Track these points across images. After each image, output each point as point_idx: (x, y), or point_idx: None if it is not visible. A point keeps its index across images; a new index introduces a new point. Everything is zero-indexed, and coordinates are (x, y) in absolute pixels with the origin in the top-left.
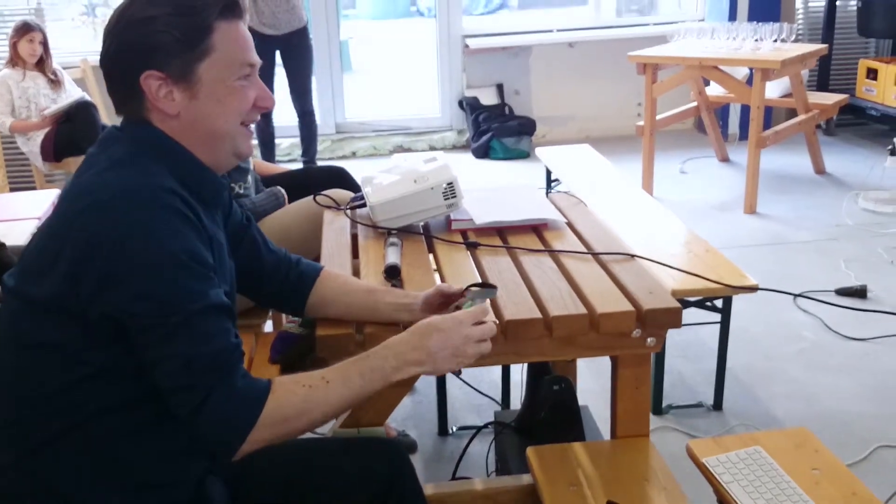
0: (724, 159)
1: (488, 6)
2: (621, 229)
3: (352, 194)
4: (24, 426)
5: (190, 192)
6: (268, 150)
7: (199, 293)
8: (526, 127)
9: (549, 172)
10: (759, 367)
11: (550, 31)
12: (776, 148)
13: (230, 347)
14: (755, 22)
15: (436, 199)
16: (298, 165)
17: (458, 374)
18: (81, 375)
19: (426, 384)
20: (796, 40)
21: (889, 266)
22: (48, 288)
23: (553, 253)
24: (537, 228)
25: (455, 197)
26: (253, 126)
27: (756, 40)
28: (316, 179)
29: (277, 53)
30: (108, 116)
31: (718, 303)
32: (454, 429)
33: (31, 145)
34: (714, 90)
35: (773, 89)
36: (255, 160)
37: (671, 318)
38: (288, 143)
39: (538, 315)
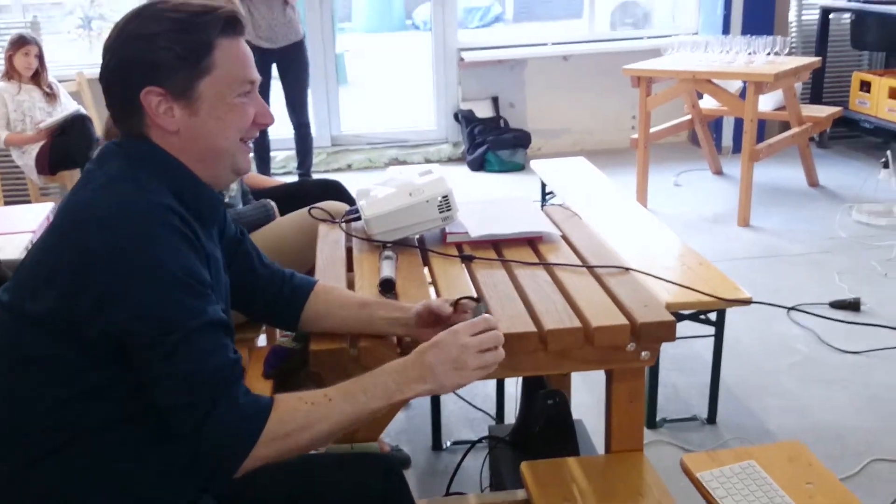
0: (718, 172)
1: (483, 19)
2: (616, 242)
3: (346, 207)
4: (18, 440)
5: (187, 208)
6: (263, 163)
7: (198, 310)
8: (521, 140)
9: (543, 185)
10: (752, 380)
11: (545, 44)
12: (770, 161)
13: (230, 364)
14: (749, 35)
15: (431, 212)
16: (294, 178)
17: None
18: (76, 392)
19: (420, 398)
20: (790, 53)
21: (883, 279)
22: (43, 304)
23: (548, 266)
24: (532, 241)
25: (450, 210)
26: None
27: (749, 53)
28: (311, 192)
29: (274, 66)
30: (103, 130)
31: (712, 316)
32: (448, 443)
33: (26, 158)
34: (708, 103)
35: (767, 102)
36: (250, 173)
37: (665, 332)
38: (283, 155)
39: (533, 329)
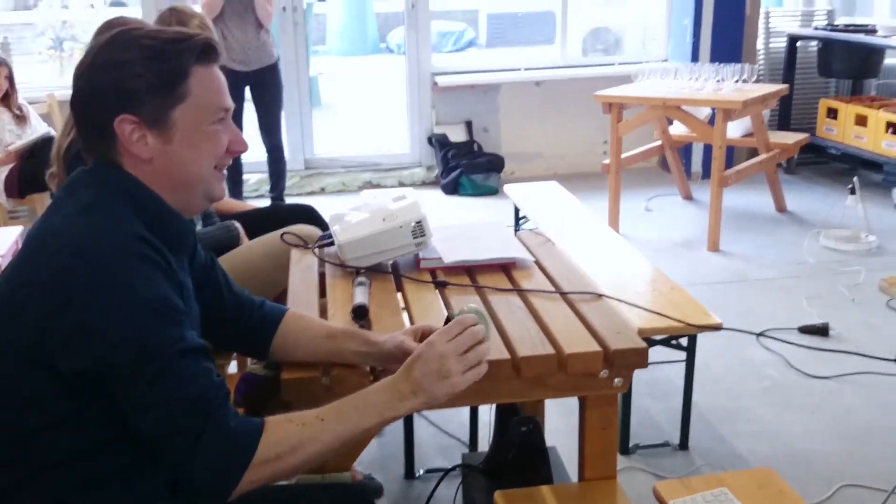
0: (688, 197)
1: (458, 44)
2: (589, 267)
3: (319, 231)
4: None
5: (158, 237)
6: (235, 186)
7: (177, 337)
8: (494, 164)
9: (517, 209)
10: (723, 406)
11: (518, 69)
12: (738, 186)
13: (214, 387)
14: (717, 63)
15: (405, 237)
16: (266, 201)
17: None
18: (44, 424)
19: (393, 425)
20: (757, 81)
21: (850, 304)
22: (12, 335)
23: (522, 292)
24: (506, 267)
25: (424, 235)
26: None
27: (718, 81)
28: (284, 217)
29: (247, 89)
30: (54, 152)
31: (684, 341)
32: (421, 471)
33: None
34: (678, 129)
35: (735, 129)
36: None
37: (638, 359)
38: (256, 178)
39: (507, 356)
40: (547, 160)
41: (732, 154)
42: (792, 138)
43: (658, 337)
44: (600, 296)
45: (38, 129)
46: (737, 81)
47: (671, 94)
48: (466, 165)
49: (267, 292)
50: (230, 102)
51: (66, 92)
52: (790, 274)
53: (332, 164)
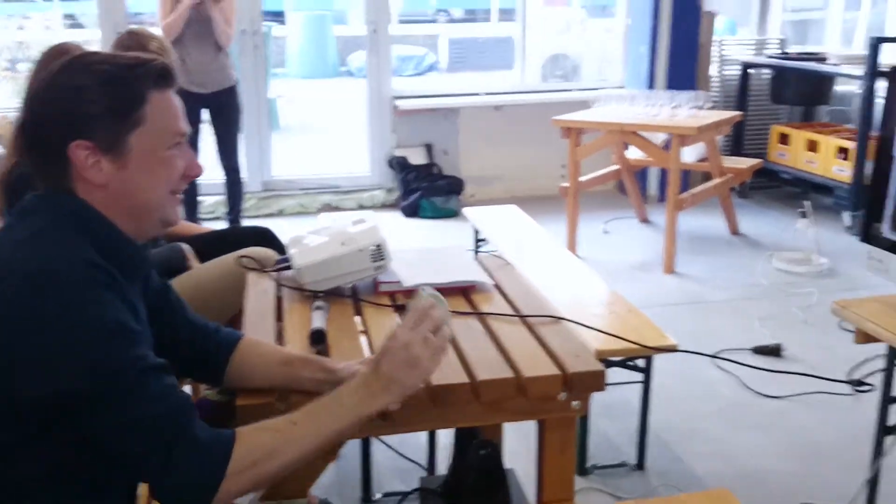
0: (645, 220)
1: (418, 68)
2: (548, 290)
3: (275, 254)
4: None
5: (111, 263)
6: (191, 209)
7: (137, 357)
8: (454, 186)
9: (476, 232)
10: (680, 426)
11: (478, 94)
12: (693, 210)
13: (181, 402)
14: (673, 90)
15: (364, 261)
16: (223, 224)
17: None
18: None
19: (350, 448)
20: (712, 107)
21: (803, 324)
22: None
23: (481, 316)
24: (466, 290)
25: (383, 259)
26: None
27: (673, 107)
28: (241, 239)
29: (205, 111)
30: None
31: (640, 362)
32: (378, 495)
33: None
34: (634, 154)
35: (690, 154)
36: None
37: (595, 382)
38: (213, 200)
39: (466, 380)
40: (506, 183)
41: (688, 178)
42: (745, 163)
43: (615, 358)
44: (559, 319)
45: None
46: (692, 108)
47: (628, 120)
48: (426, 188)
49: (220, 316)
50: (186, 127)
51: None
52: (744, 295)
53: (290, 186)
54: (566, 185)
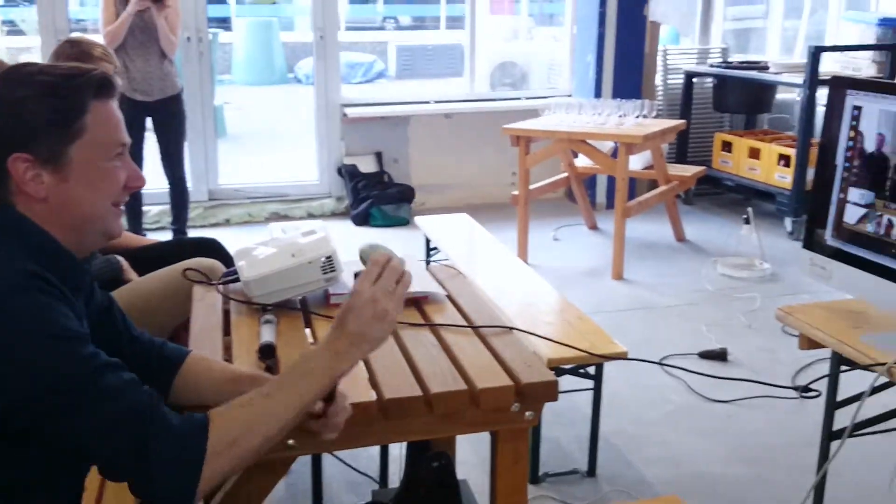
0: (593, 227)
1: (367, 75)
2: (500, 299)
3: (221, 265)
4: None
5: (53, 277)
6: (135, 220)
7: (91, 356)
8: (405, 194)
9: (428, 241)
10: (629, 432)
11: (428, 102)
12: (640, 216)
13: (145, 395)
14: (619, 99)
15: (314, 273)
16: (168, 234)
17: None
18: None
19: (300, 462)
20: (657, 116)
21: (747, 329)
22: None
23: (434, 327)
24: (418, 301)
25: (334, 271)
26: None
27: (620, 116)
28: (187, 251)
29: (149, 119)
30: None
31: (591, 369)
32: None
33: None
34: (583, 162)
35: (637, 162)
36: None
37: (548, 392)
38: (157, 210)
39: (419, 392)
40: (457, 191)
41: (634, 186)
42: (689, 170)
43: (566, 366)
44: (511, 329)
45: None
46: (637, 116)
47: (576, 129)
48: (377, 196)
49: (164, 330)
50: (127, 138)
51: None
52: (690, 301)
53: (237, 195)
54: (516, 192)
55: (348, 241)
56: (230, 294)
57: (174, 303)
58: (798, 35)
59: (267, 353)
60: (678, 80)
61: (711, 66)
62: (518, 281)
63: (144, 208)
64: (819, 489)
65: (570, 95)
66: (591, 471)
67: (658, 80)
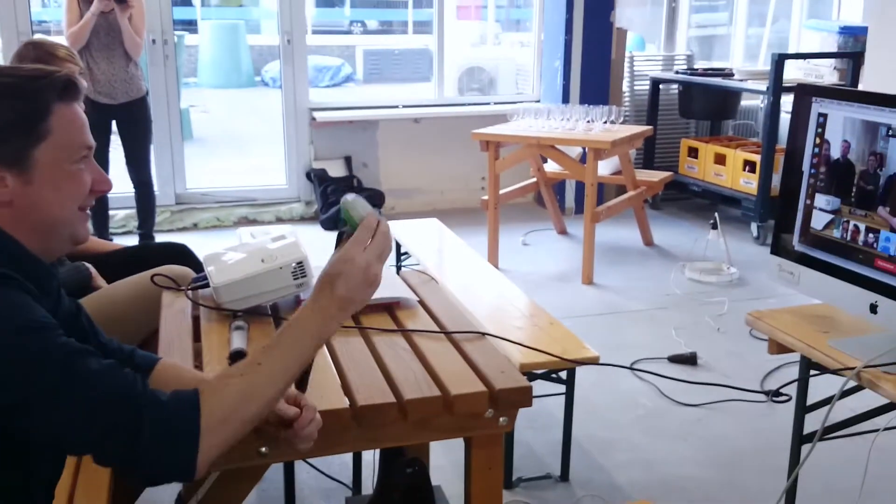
0: (563, 232)
1: (334, 79)
2: (471, 304)
3: (191, 272)
4: None
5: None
6: (101, 224)
7: (64, 343)
8: (375, 199)
9: (398, 246)
10: (601, 436)
11: (397, 106)
12: (609, 221)
13: (129, 374)
14: (586, 104)
15: (285, 278)
16: (134, 239)
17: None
18: None
19: (273, 470)
20: (624, 122)
21: (716, 333)
22: None
23: (406, 333)
24: (390, 307)
25: (305, 276)
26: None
27: (588, 121)
28: (156, 257)
29: (113, 122)
30: None
31: (563, 374)
32: None
33: None
34: (552, 167)
35: (605, 167)
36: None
37: (522, 398)
38: (123, 214)
39: (392, 399)
40: (426, 196)
41: (602, 191)
42: (657, 176)
43: (538, 371)
44: (484, 335)
45: None
46: (605, 122)
47: (545, 134)
48: None
49: (134, 338)
50: (92, 140)
51: None
52: (659, 305)
53: (205, 199)
54: (486, 197)
55: (318, 246)
56: (200, 300)
57: (144, 310)
58: (761, 42)
59: (238, 360)
60: (644, 86)
61: (677, 72)
62: (489, 286)
63: (110, 212)
64: (790, 492)
65: (538, 101)
66: (565, 475)
67: (625, 86)
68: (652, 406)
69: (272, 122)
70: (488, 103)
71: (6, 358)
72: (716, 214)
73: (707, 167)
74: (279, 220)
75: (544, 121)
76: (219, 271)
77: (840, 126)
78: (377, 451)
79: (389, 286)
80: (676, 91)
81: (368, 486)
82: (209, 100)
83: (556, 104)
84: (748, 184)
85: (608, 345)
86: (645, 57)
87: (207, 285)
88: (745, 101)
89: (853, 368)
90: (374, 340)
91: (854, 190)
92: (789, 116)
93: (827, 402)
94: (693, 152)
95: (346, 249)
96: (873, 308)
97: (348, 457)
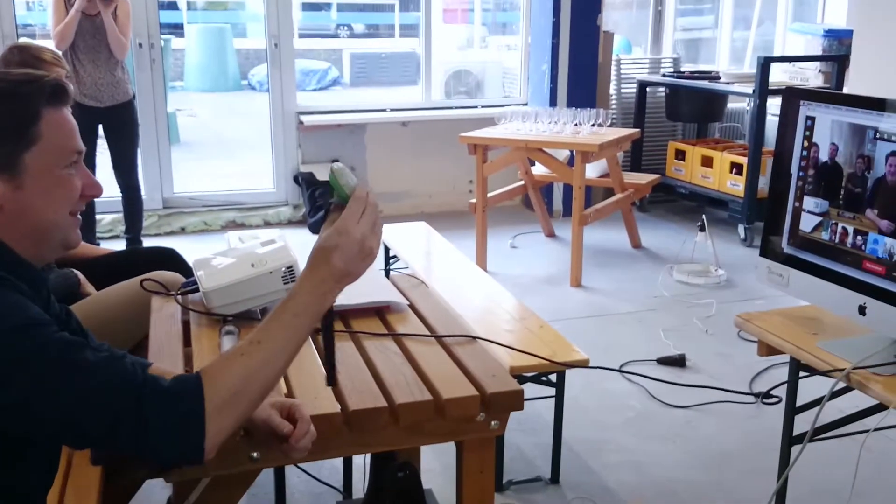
0: (551, 234)
1: (321, 83)
2: (461, 307)
3: (181, 277)
4: None
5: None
6: (88, 228)
7: (60, 338)
8: None
9: (387, 249)
10: (591, 438)
11: (384, 110)
12: (597, 224)
13: (129, 362)
14: (574, 107)
15: (275, 283)
16: (122, 243)
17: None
18: None
19: (263, 474)
20: (611, 125)
21: (704, 335)
22: None
23: (396, 337)
24: (380, 311)
25: (295, 281)
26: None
27: (576, 124)
28: (144, 262)
29: (100, 126)
30: None
31: (553, 377)
32: None
33: None
34: (539, 170)
35: (592, 170)
36: None
37: (513, 401)
38: (110, 218)
39: (384, 403)
40: (414, 199)
41: (590, 193)
42: (644, 178)
43: (528, 374)
44: (474, 338)
45: None
46: (593, 125)
47: (533, 137)
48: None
49: (124, 343)
50: (82, 145)
51: None
52: (647, 307)
53: (192, 203)
54: (474, 200)
55: (306, 250)
56: (189, 305)
57: (134, 315)
58: (747, 45)
59: None
60: (631, 89)
61: (664, 75)
62: (478, 289)
63: (97, 216)
64: (780, 493)
65: (525, 104)
66: (555, 478)
67: (612, 89)
68: (641, 408)
69: (259, 126)
70: (476, 107)
71: (5, 357)
72: (703, 216)
73: (694, 169)
74: (267, 224)
75: (532, 124)
76: (208, 276)
77: (828, 129)
78: (368, 454)
79: (379, 290)
80: (663, 94)
81: (359, 489)
82: (196, 103)
83: (544, 107)
84: (735, 186)
85: (597, 347)
86: (632, 60)
87: (197, 290)
88: (732, 104)
89: (843, 370)
90: (364, 345)
91: (842, 192)
92: (776, 119)
93: (816, 403)
94: (680, 155)
95: (341, 221)
96: (862, 310)
97: (339, 461)
